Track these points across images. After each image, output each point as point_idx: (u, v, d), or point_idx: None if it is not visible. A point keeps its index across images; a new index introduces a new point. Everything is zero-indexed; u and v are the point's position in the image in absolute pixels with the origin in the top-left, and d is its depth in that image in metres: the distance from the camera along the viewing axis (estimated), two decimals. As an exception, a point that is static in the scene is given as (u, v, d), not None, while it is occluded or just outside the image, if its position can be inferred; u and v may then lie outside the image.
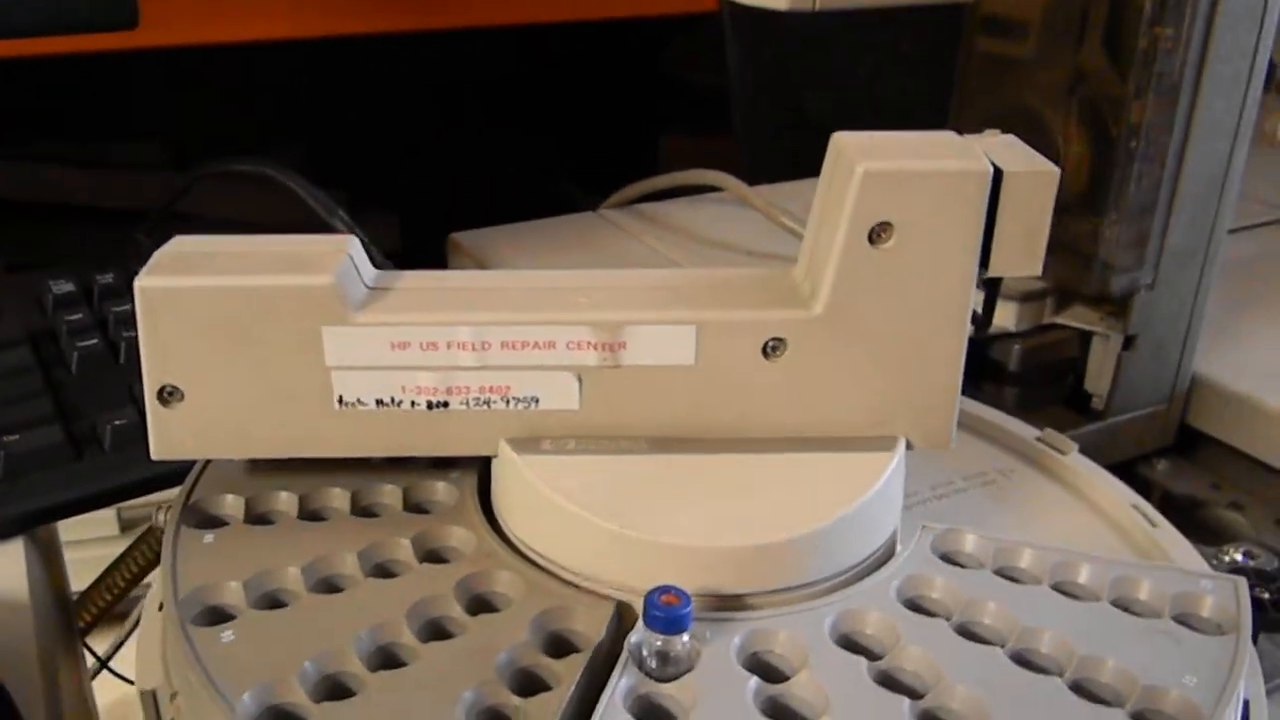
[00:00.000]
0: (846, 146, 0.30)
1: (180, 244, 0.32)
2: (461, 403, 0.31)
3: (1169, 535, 0.36)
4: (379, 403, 0.31)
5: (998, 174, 0.29)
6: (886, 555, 0.32)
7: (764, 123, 1.07)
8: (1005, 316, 0.51)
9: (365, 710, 0.26)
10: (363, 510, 0.33)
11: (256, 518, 0.33)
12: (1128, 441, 0.53)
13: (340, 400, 0.31)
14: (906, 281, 0.30)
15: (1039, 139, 0.51)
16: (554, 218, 0.72)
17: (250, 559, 0.30)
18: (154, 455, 0.32)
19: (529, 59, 0.95)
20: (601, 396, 0.31)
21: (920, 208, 0.29)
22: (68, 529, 0.46)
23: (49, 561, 0.44)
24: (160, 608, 0.32)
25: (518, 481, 0.31)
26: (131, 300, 0.52)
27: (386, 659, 0.28)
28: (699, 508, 0.29)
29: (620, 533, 0.29)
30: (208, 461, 0.35)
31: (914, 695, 0.27)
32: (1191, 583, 0.31)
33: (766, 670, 0.28)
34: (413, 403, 0.31)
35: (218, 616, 0.29)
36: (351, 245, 0.32)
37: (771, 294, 0.31)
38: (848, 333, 0.31)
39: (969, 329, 0.31)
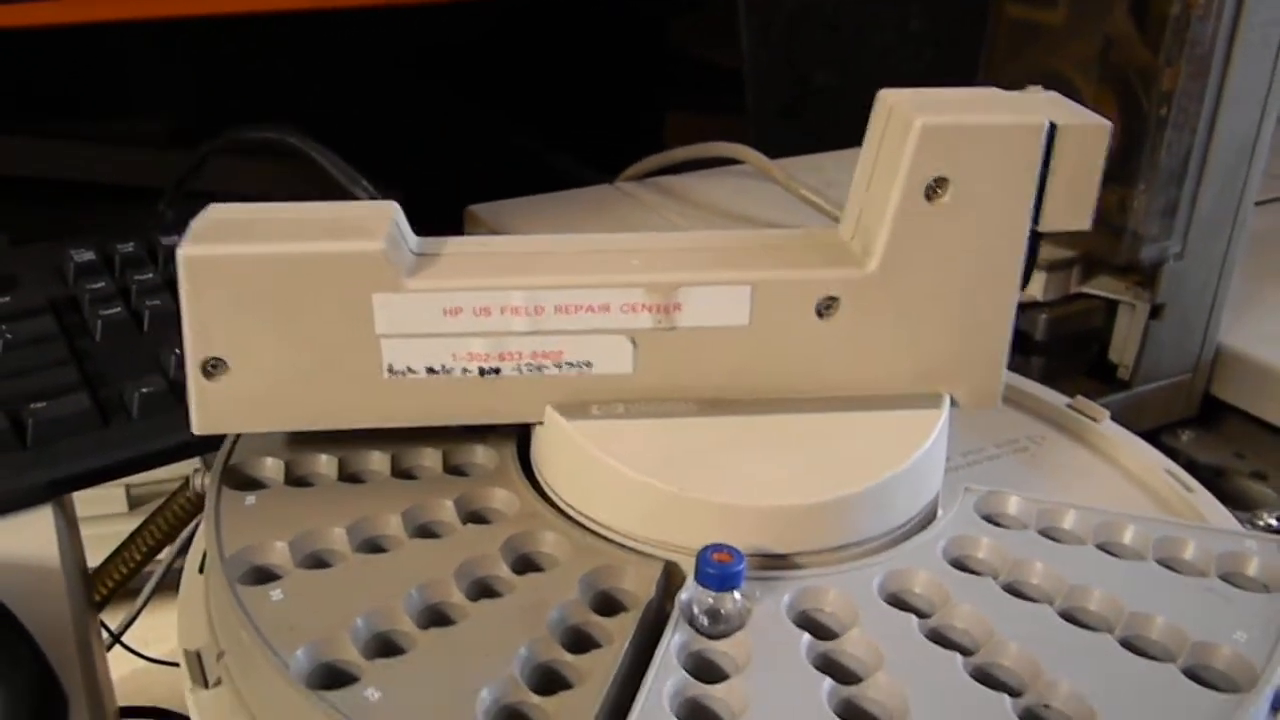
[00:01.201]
0: (898, 103, 0.30)
1: (217, 211, 0.31)
2: (514, 369, 0.31)
3: (1204, 499, 0.36)
4: (430, 370, 0.30)
5: (1051, 127, 0.29)
6: (929, 517, 0.32)
7: (774, 99, 1.07)
8: (1033, 286, 0.50)
9: (420, 666, 0.26)
10: (402, 473, 0.33)
11: (296, 480, 0.33)
12: (1152, 411, 0.53)
13: (389, 369, 0.30)
14: (961, 237, 0.30)
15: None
16: (571, 190, 0.72)
17: (294, 520, 0.30)
18: (196, 430, 0.31)
19: (537, 33, 0.94)
20: (654, 359, 0.31)
21: (977, 162, 0.29)
22: (76, 505, 0.45)
23: (73, 532, 0.44)
24: (201, 569, 0.32)
25: (567, 446, 0.31)
26: (154, 269, 0.52)
27: (436, 617, 0.28)
28: (748, 468, 0.29)
29: (673, 493, 0.29)
30: (246, 424, 0.34)
31: (965, 652, 0.27)
32: (1236, 543, 0.31)
33: (817, 628, 0.28)
34: (464, 370, 0.30)
35: (264, 576, 0.29)
36: (395, 211, 0.31)
37: (823, 253, 0.31)
38: (901, 290, 0.31)
39: (1019, 283, 0.31)
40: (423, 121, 0.91)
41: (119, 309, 0.49)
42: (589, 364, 0.31)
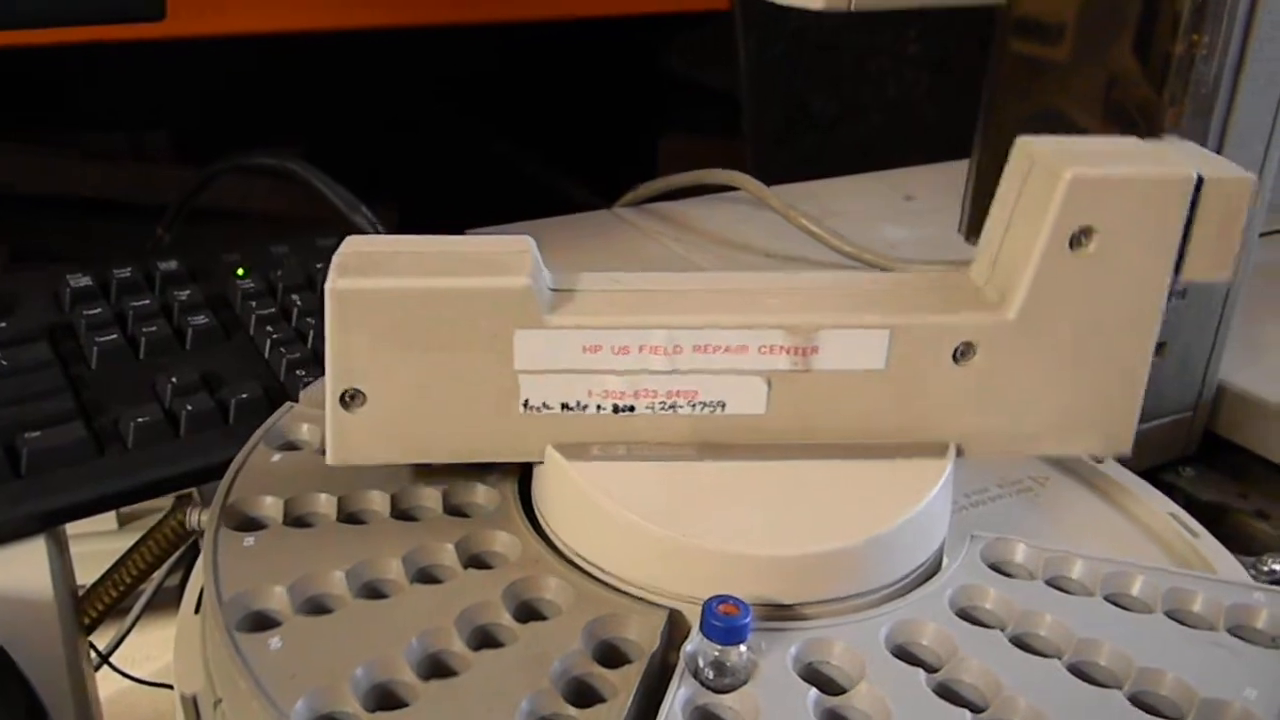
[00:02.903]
0: (1040, 153, 0.30)
1: (358, 243, 0.31)
2: (648, 406, 0.31)
3: (1209, 545, 0.36)
4: (564, 407, 0.30)
5: (1198, 180, 0.29)
6: (936, 565, 0.31)
7: (772, 124, 1.07)
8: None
9: (422, 719, 0.25)
10: (402, 514, 0.33)
11: (295, 520, 0.32)
12: (1153, 449, 0.53)
13: (525, 404, 0.30)
14: (1103, 287, 0.30)
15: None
16: (569, 215, 0.72)
17: (293, 563, 0.30)
18: (331, 460, 0.31)
19: (533, 55, 0.94)
20: (788, 401, 0.31)
21: (1124, 213, 0.29)
22: (66, 525, 0.45)
23: (64, 560, 0.44)
24: (197, 610, 0.31)
25: (568, 487, 0.30)
26: (150, 295, 0.52)
27: (437, 667, 0.27)
28: (752, 515, 0.29)
29: (675, 540, 0.28)
30: (243, 462, 0.34)
31: (974, 709, 0.26)
32: (1245, 595, 0.31)
33: (823, 681, 0.27)
34: (599, 407, 0.30)
35: (262, 621, 0.28)
36: (531, 246, 0.31)
37: (960, 298, 0.31)
38: (1039, 338, 0.30)
39: (1157, 334, 0.31)
40: (422, 144, 0.91)
41: (115, 335, 0.49)
42: (723, 404, 0.31)
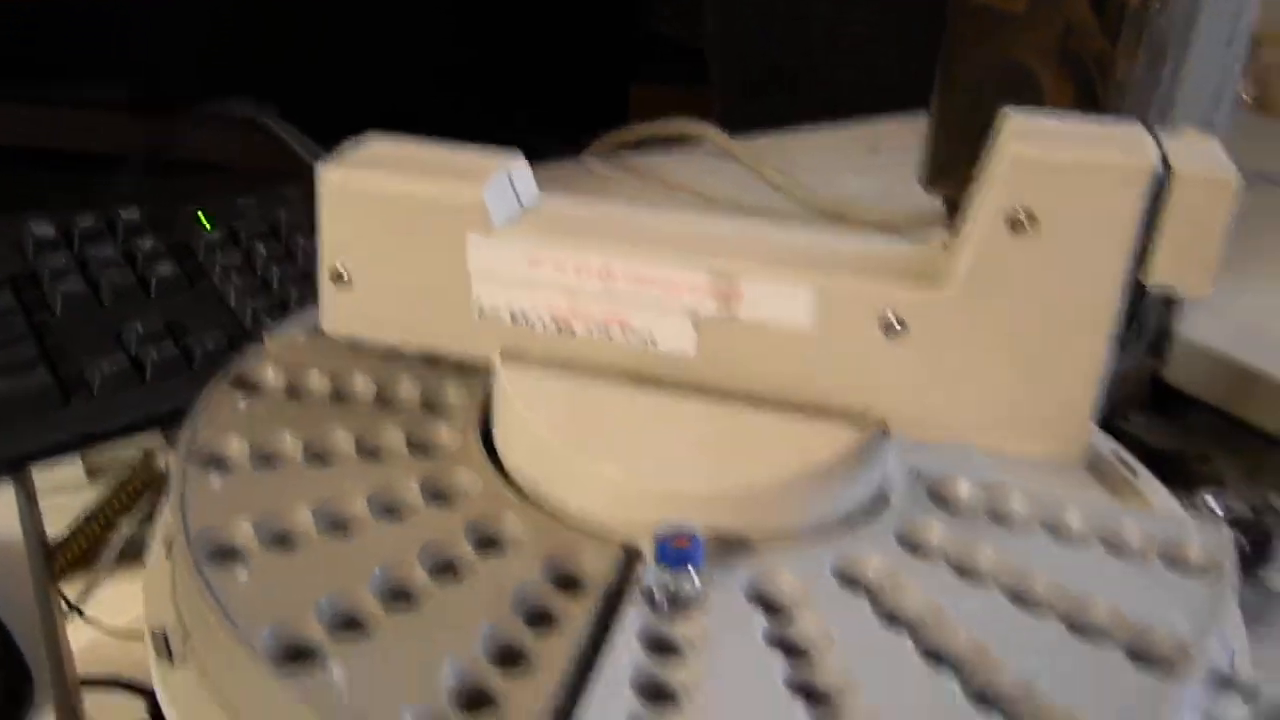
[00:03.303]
0: (1008, 126, 0.29)
1: (373, 141, 0.34)
2: (585, 329, 0.32)
3: (1148, 483, 0.37)
4: (512, 316, 0.32)
5: (1163, 174, 0.27)
6: (881, 500, 0.32)
7: (739, 75, 1.07)
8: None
9: (385, 645, 0.26)
10: (367, 452, 0.33)
11: (261, 458, 0.33)
12: (1105, 397, 0.54)
13: (480, 308, 0.33)
14: (1049, 277, 0.28)
15: (1028, 95, 0.52)
16: (538, 165, 0.72)
17: (259, 500, 0.31)
18: (324, 329, 0.35)
19: (504, 6, 0.94)
20: (716, 347, 0.31)
21: (1069, 200, 0.28)
22: (34, 477, 0.45)
23: (32, 507, 0.44)
24: (168, 550, 0.32)
25: (524, 432, 0.31)
26: (113, 243, 0.52)
27: (400, 597, 0.28)
28: (698, 451, 0.30)
29: (630, 478, 0.29)
30: (209, 401, 0.35)
31: (915, 634, 0.28)
32: (1178, 527, 0.32)
33: (772, 609, 0.28)
34: (541, 322, 0.32)
35: (229, 556, 0.29)
36: (514, 164, 0.33)
37: (898, 269, 0.30)
38: (977, 322, 0.29)
39: (1111, 336, 0.29)
40: (390, 94, 0.90)
41: (79, 284, 0.49)
42: (654, 339, 0.31)
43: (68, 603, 0.57)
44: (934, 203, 0.62)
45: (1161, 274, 0.28)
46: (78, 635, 0.53)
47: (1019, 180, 0.28)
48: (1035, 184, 0.28)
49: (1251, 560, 0.36)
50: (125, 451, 0.56)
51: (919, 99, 0.60)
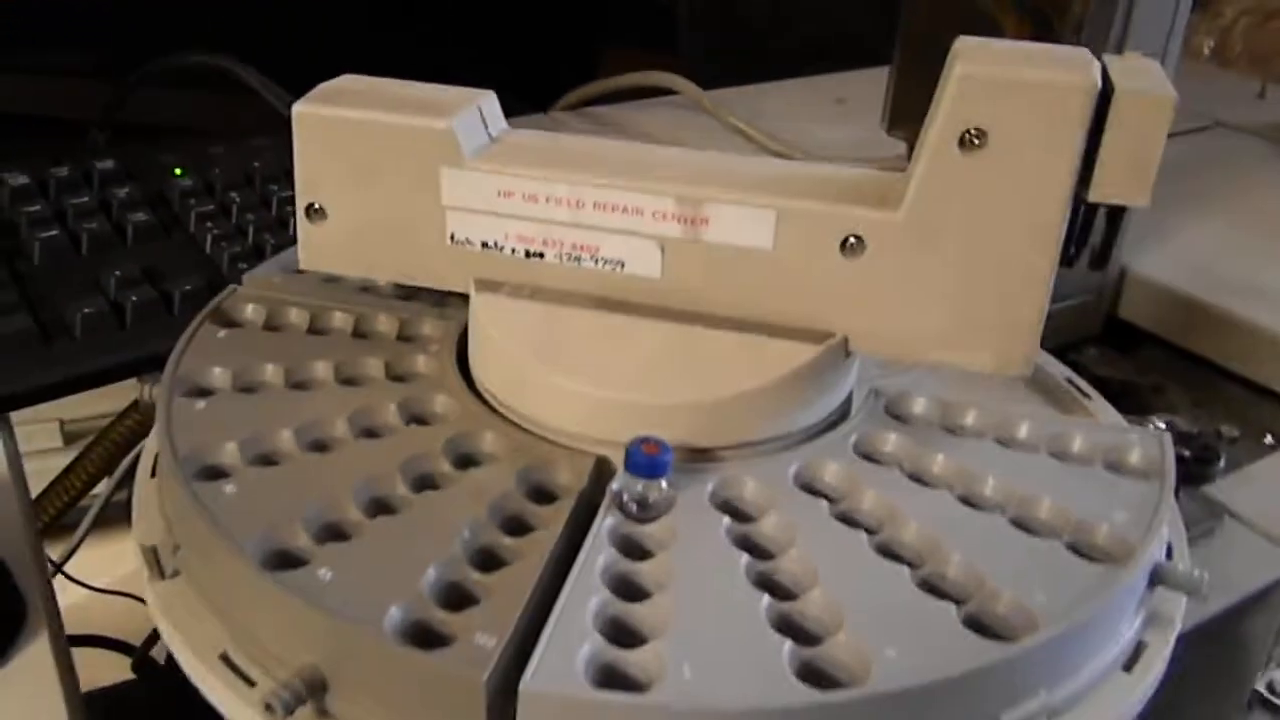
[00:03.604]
0: (959, 50, 0.30)
1: (346, 79, 0.35)
2: (555, 256, 0.33)
3: (1099, 405, 0.39)
4: (484, 245, 0.33)
5: (1107, 92, 0.28)
6: (843, 417, 0.34)
7: (706, 32, 1.07)
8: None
9: (369, 548, 0.27)
10: (346, 380, 0.35)
11: (243, 387, 0.34)
12: (1059, 330, 0.56)
13: (452, 238, 0.34)
14: (997, 194, 0.29)
15: (988, 37, 0.53)
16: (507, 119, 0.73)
17: (243, 423, 0.32)
18: (301, 265, 0.36)
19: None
20: (682, 269, 0.32)
21: (1016, 117, 0.29)
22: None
23: (15, 458, 0.45)
24: (153, 473, 0.33)
25: (499, 355, 0.32)
26: (89, 192, 0.53)
27: (382, 507, 0.29)
28: (665, 367, 0.31)
29: (603, 394, 0.31)
30: (193, 335, 0.36)
31: (870, 531, 0.29)
32: (1121, 436, 0.34)
33: (736, 513, 0.30)
34: (513, 249, 0.33)
35: (216, 474, 0.30)
36: (484, 98, 0.34)
37: (855, 191, 0.31)
38: (930, 239, 0.30)
39: (1058, 251, 0.30)
40: (354, 50, 0.90)
41: (56, 232, 0.49)
42: (621, 263, 0.32)
43: (51, 562, 0.57)
44: (897, 148, 0.64)
45: (1104, 188, 0.30)
46: (59, 596, 0.54)
47: (968, 98, 0.29)
48: (983, 102, 0.29)
49: (1195, 474, 0.38)
50: (103, 421, 0.56)
51: (887, 52, 0.61)
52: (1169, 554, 0.32)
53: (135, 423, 0.55)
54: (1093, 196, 0.30)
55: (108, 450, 0.56)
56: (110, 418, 0.54)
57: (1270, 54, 1.19)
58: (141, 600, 0.46)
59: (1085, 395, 0.39)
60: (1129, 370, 0.56)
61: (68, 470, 0.57)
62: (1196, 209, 0.65)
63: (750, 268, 0.32)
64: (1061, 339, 0.56)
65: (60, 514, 0.57)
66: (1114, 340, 0.58)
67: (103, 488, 0.57)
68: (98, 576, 0.69)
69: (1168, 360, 0.57)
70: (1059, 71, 0.29)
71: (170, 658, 0.45)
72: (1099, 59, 0.30)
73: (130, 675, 0.60)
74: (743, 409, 0.31)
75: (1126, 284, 0.58)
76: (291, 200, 0.36)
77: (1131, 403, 0.54)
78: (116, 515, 0.52)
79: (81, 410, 0.66)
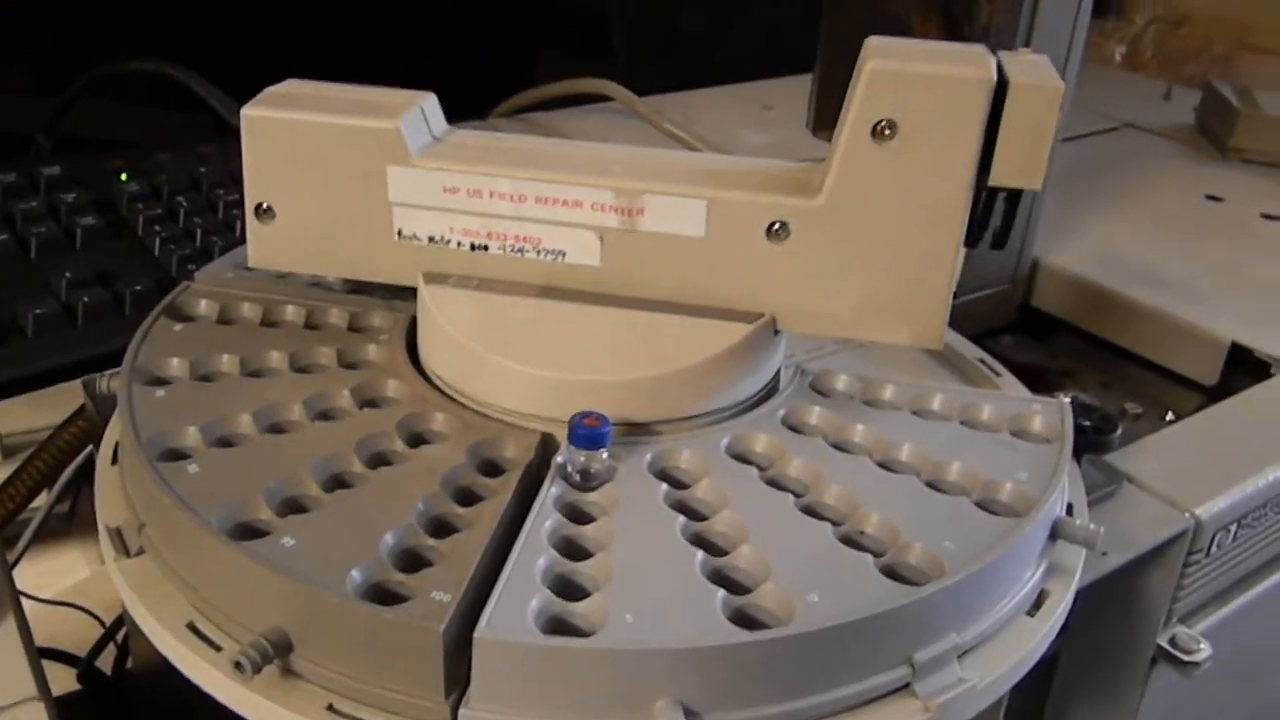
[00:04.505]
0: (870, 48, 0.33)
1: (291, 84, 0.37)
2: (499, 248, 0.35)
3: (1008, 381, 0.42)
4: (430, 240, 0.35)
5: (1003, 85, 0.31)
6: (772, 392, 0.36)
7: (642, 40, 1.10)
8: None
9: (329, 519, 0.29)
10: (300, 369, 0.36)
11: (201, 377, 0.35)
12: (975, 319, 0.59)
13: (399, 233, 0.35)
14: (906, 180, 0.32)
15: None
16: (446, 126, 0.74)
17: (203, 408, 0.33)
18: (251, 263, 0.37)
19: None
20: (620, 258, 0.34)
21: (922, 109, 0.31)
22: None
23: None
24: (114, 460, 0.35)
25: (447, 343, 0.34)
26: (36, 198, 0.53)
27: (339, 483, 0.31)
28: (603, 348, 0.33)
29: (542, 373, 0.33)
30: (150, 327, 0.37)
31: (796, 494, 0.32)
32: (1025, 405, 0.37)
33: (673, 480, 0.32)
34: (459, 243, 0.35)
35: (179, 456, 0.32)
36: (426, 100, 0.36)
37: (779, 182, 0.34)
38: (848, 224, 0.33)
39: (963, 232, 0.33)
40: (292, 59, 0.91)
41: (5, 236, 0.50)
42: (563, 253, 0.35)
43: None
44: (822, 149, 0.67)
45: (1003, 173, 0.33)
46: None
47: (877, 91, 0.32)
48: (892, 95, 0.32)
49: (1095, 443, 0.41)
50: (41, 435, 0.56)
51: (813, 60, 0.64)
52: (1070, 512, 0.35)
53: (79, 430, 0.55)
54: (992, 181, 0.33)
55: (49, 461, 0.56)
56: (49, 430, 0.55)
57: (1179, 59, 1.25)
58: (87, 611, 0.47)
59: (995, 373, 0.42)
60: (1042, 355, 0.60)
61: (8, 481, 0.57)
62: (1106, 205, 0.69)
63: (684, 254, 0.34)
64: (979, 327, 0.59)
65: (4, 523, 0.58)
66: (1029, 328, 0.62)
67: (43, 500, 0.57)
68: (41, 589, 0.69)
69: (1079, 346, 0.60)
70: (960, 67, 0.32)
71: (117, 667, 0.46)
72: (995, 55, 0.33)
73: (76, 686, 0.61)
74: (678, 385, 0.33)
75: (1040, 274, 0.61)
76: (237, 204, 0.37)
77: (1043, 386, 0.57)
78: (59, 527, 0.53)
79: (19, 424, 0.66)
